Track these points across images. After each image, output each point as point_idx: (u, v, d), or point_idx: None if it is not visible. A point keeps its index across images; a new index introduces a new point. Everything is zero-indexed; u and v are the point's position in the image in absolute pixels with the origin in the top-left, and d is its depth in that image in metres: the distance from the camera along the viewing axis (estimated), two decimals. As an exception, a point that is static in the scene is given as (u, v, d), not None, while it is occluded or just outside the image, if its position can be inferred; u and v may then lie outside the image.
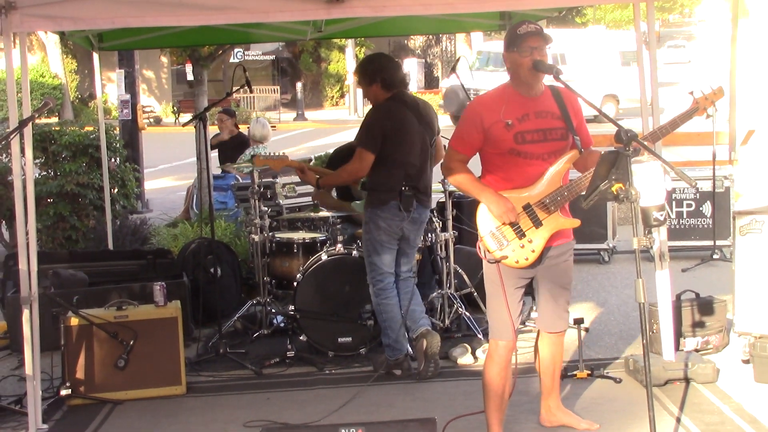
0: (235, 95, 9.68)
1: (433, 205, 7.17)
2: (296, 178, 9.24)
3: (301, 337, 6.38)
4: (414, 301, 6.01)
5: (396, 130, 5.76)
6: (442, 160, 5.35)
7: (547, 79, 4.48)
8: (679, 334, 6.02)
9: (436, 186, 7.23)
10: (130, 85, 13.18)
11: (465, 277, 6.99)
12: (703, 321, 6.14)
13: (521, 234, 4.39)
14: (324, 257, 6.43)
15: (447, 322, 6.78)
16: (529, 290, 4.71)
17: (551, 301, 4.70)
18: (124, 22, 5.61)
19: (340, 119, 34.82)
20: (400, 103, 5.85)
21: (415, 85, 45.59)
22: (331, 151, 8.76)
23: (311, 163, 7.11)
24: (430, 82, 49.19)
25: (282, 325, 7.03)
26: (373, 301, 5.98)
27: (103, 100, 14.63)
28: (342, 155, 7.45)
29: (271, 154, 6.60)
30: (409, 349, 6.00)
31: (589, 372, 5.71)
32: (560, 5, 7.15)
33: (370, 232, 5.85)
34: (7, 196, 9.07)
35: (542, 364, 4.90)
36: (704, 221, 9.40)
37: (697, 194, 9.38)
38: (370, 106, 6.04)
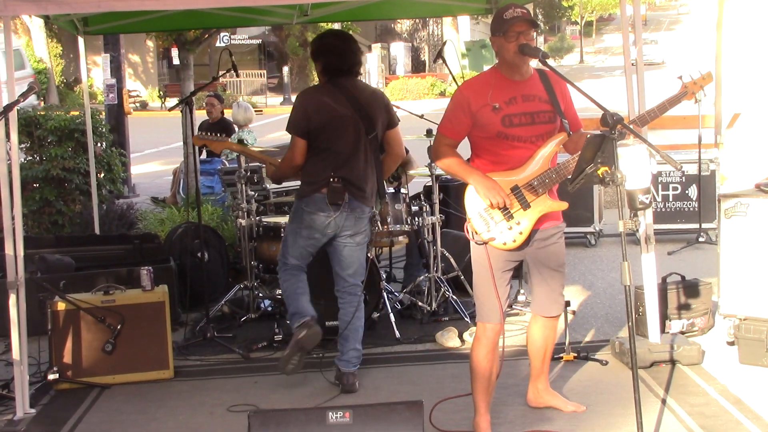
0: (221, 79, 9.65)
1: (420, 188, 7.19)
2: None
3: (288, 321, 6.38)
4: (357, 320, 5.59)
5: (320, 116, 5.33)
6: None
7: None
8: (664, 317, 6.05)
9: (422, 170, 7.26)
10: (116, 70, 13.14)
11: (452, 260, 7.00)
12: (689, 303, 6.18)
13: (509, 216, 4.41)
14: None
15: (434, 305, 6.79)
16: (517, 273, 4.72)
17: (544, 284, 4.71)
18: (110, 6, 5.57)
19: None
20: (334, 88, 5.41)
21: (402, 69, 45.58)
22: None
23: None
24: (417, 66, 49.14)
25: (269, 309, 7.04)
26: (280, 278, 5.65)
27: (89, 84, 14.53)
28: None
29: (209, 135, 6.43)
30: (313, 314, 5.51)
31: (576, 355, 5.74)
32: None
33: (292, 222, 5.53)
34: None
35: (533, 347, 4.92)
36: (690, 204, 9.44)
37: (683, 177, 9.42)
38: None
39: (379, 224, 6.55)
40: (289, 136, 5.44)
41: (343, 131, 5.36)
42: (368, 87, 5.73)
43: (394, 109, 5.74)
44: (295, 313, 5.49)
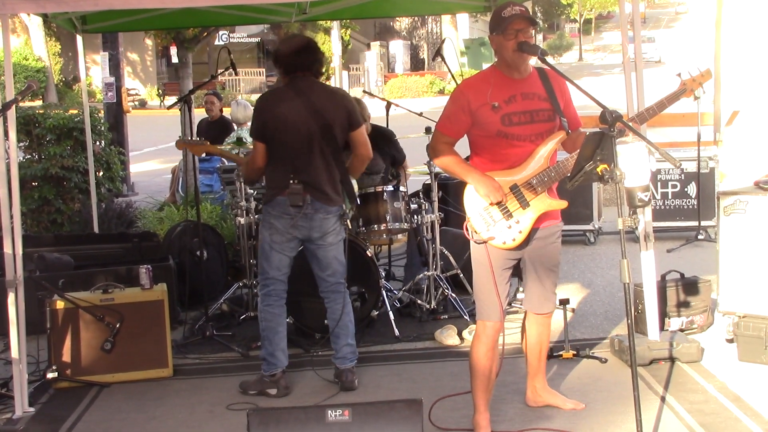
0: (220, 78, 9.65)
1: (419, 186, 7.19)
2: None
3: (287, 320, 6.38)
4: (346, 316, 5.60)
5: (274, 117, 5.34)
6: (369, 152, 5.44)
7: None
8: (664, 314, 6.05)
9: (421, 168, 7.26)
10: (115, 68, 13.13)
11: (451, 258, 7.00)
12: (688, 301, 6.18)
13: (508, 215, 4.40)
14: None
15: (433, 303, 6.79)
16: (516, 271, 4.72)
17: (538, 282, 4.72)
18: (108, 4, 5.56)
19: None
20: (291, 91, 5.40)
21: (401, 67, 45.59)
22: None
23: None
24: (416, 64, 49.15)
25: (269, 307, 7.02)
26: (259, 306, 5.59)
27: (88, 83, 14.54)
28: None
29: (190, 139, 6.37)
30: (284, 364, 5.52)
31: (575, 352, 5.74)
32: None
33: (262, 231, 5.51)
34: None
35: (529, 344, 4.92)
36: (689, 202, 9.44)
37: (682, 175, 9.41)
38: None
39: (362, 223, 6.56)
40: None
41: (297, 136, 5.33)
42: (328, 88, 5.68)
43: (359, 109, 5.71)
44: (271, 357, 5.46)
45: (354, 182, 5.82)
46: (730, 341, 5.79)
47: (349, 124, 5.47)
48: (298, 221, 5.33)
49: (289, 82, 5.43)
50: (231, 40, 36.27)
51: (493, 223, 4.41)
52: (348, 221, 5.82)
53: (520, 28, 4.31)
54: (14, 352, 5.16)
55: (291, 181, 5.30)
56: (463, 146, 4.53)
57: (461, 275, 6.93)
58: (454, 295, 6.83)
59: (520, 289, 6.90)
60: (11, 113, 5.18)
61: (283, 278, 5.50)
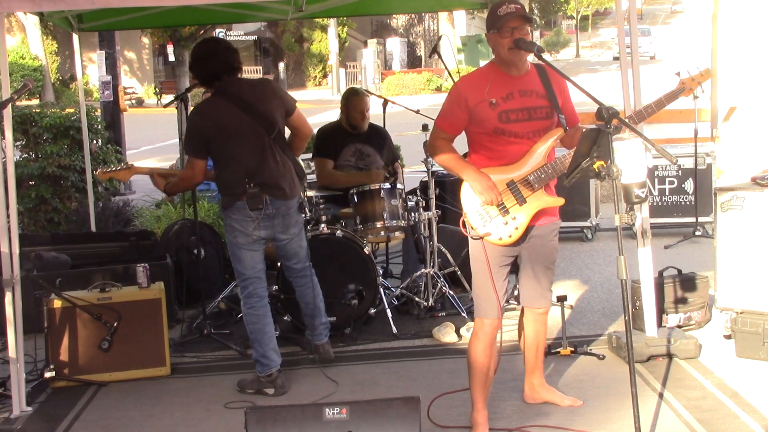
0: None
1: (416, 184, 7.18)
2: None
3: (285, 317, 6.39)
4: (317, 297, 5.80)
5: (217, 130, 5.27)
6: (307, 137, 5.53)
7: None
8: (661, 311, 6.05)
9: (418, 166, 7.24)
10: (111, 67, 13.11)
11: (449, 255, 6.99)
12: (686, 297, 6.18)
13: (505, 211, 4.40)
14: (307, 237, 6.42)
15: (431, 301, 6.79)
16: (514, 268, 4.72)
17: (533, 279, 4.72)
18: (104, 3, 5.56)
19: (323, 99, 34.75)
20: (219, 98, 5.34)
21: (398, 65, 45.60)
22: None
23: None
24: (413, 62, 49.14)
25: (266, 305, 7.02)
26: (242, 309, 5.61)
27: (84, 81, 14.53)
28: (326, 135, 7.43)
29: (113, 168, 6.22)
30: (278, 363, 5.52)
31: (573, 349, 5.74)
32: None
33: (227, 235, 5.48)
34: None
35: (526, 341, 4.93)
36: (686, 198, 9.44)
37: (679, 171, 9.42)
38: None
39: (359, 220, 6.61)
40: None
41: (245, 140, 5.30)
42: (252, 82, 5.56)
43: (288, 92, 5.72)
44: (263, 359, 5.45)
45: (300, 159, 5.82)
46: (728, 337, 5.79)
47: (286, 111, 5.46)
48: (260, 222, 5.34)
49: (215, 91, 5.39)
50: (228, 38, 36.23)
51: (489, 219, 4.41)
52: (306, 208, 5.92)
53: (515, 26, 4.31)
54: (11, 351, 5.16)
55: (247, 186, 5.27)
56: (461, 143, 4.53)
57: (459, 272, 6.93)
58: (451, 292, 6.82)
59: (518, 286, 6.90)
60: (7, 112, 5.18)
61: (260, 275, 5.49)
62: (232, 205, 5.33)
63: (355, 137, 7.36)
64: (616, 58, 45.82)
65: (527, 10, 4.57)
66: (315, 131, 7.08)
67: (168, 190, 5.71)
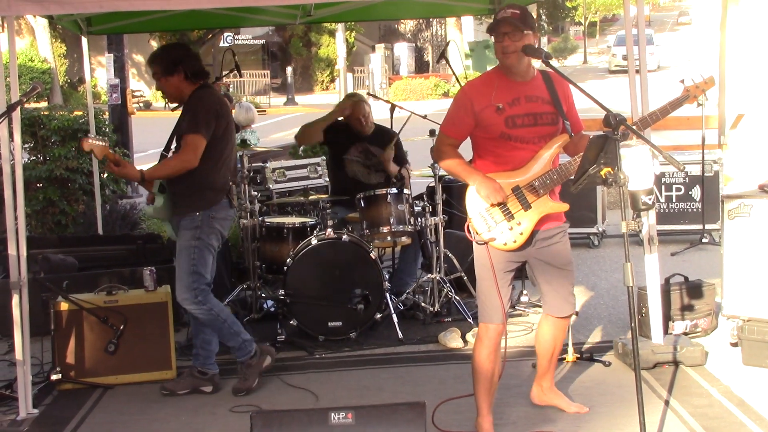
0: (224, 80, 9.65)
1: (423, 189, 7.19)
2: (286, 163, 9.23)
3: (291, 322, 6.39)
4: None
5: (227, 123, 5.42)
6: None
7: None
8: (667, 318, 6.04)
9: (425, 170, 7.26)
10: (120, 70, 13.13)
11: (455, 261, 6.99)
12: (692, 304, 6.17)
13: (510, 216, 4.40)
14: (314, 242, 6.44)
15: (437, 306, 6.79)
16: (519, 274, 4.72)
17: (550, 284, 4.69)
18: (113, 6, 5.56)
19: (330, 103, 34.65)
20: (219, 95, 5.53)
21: (405, 70, 45.58)
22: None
23: None
24: (421, 67, 49.14)
25: (272, 309, 7.04)
26: (200, 316, 5.43)
27: (93, 84, 14.57)
28: (335, 129, 7.40)
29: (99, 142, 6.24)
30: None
31: (579, 356, 5.73)
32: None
33: (200, 237, 5.32)
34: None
35: (542, 345, 4.90)
36: (693, 205, 9.43)
37: (687, 178, 9.41)
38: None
39: (366, 225, 6.65)
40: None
41: (232, 139, 5.56)
42: None
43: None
44: (247, 343, 5.53)
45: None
46: (735, 345, 5.78)
47: None
48: (229, 222, 5.54)
49: (204, 85, 5.50)
50: (236, 42, 36.25)
51: (494, 224, 4.41)
52: None
53: (506, 32, 4.34)
54: (18, 354, 5.17)
55: (231, 183, 5.50)
56: (466, 148, 4.53)
57: (465, 278, 6.92)
58: (457, 297, 6.82)
59: (524, 292, 6.90)
60: (16, 115, 5.19)
61: (211, 283, 5.54)
62: (219, 203, 5.40)
63: (363, 138, 7.38)
64: (612, 72, 45.96)
65: (535, 16, 4.57)
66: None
67: (148, 175, 5.34)
